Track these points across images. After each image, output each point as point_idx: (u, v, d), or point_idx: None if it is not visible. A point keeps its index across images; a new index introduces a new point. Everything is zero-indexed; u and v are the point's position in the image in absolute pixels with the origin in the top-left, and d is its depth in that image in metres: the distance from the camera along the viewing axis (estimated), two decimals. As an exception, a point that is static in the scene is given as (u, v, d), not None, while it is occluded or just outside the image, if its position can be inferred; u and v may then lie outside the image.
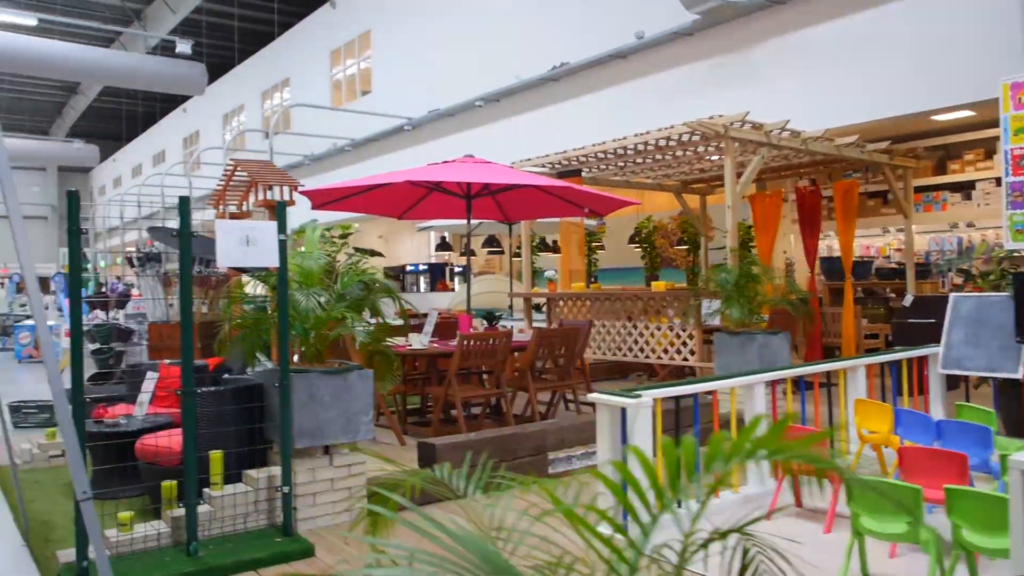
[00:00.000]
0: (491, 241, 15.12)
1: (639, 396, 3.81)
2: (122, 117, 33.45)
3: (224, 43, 25.26)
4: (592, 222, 12.04)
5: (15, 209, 2.52)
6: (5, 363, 14.95)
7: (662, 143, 8.05)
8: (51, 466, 5.66)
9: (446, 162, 6.76)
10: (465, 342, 5.81)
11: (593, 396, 3.95)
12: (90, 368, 11.44)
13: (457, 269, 21.10)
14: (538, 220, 10.01)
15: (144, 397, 5.09)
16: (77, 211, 3.37)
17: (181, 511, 3.74)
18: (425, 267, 20.32)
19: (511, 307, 11.52)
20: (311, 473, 4.12)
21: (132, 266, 9.67)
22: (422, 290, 19.00)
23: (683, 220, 12.52)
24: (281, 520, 3.96)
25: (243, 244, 3.69)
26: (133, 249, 32.16)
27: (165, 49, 23.29)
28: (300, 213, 10.71)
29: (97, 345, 9.42)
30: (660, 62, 11.18)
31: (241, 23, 23.44)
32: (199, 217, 23.59)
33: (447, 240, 18.48)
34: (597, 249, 13.54)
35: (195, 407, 3.66)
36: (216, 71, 23.12)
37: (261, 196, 9.23)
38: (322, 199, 6.98)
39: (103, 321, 9.53)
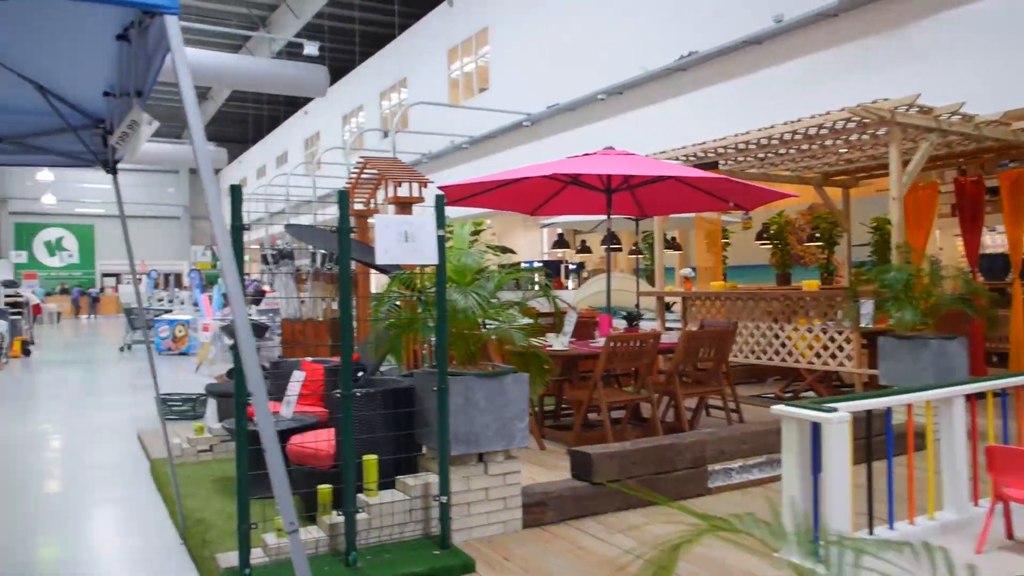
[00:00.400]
0: (610, 238, 14.72)
1: (834, 410, 3.38)
2: (247, 121, 34.97)
3: (344, 46, 25.91)
4: (730, 217, 11.46)
5: (215, 205, 2.35)
6: (145, 355, 15.74)
7: (812, 131, 7.47)
8: (199, 461, 5.72)
9: (587, 154, 6.45)
10: (612, 343, 5.49)
11: (778, 409, 3.54)
12: (227, 363, 11.84)
13: (571, 266, 20.80)
14: (670, 216, 9.56)
15: (292, 396, 5.02)
16: (240, 207, 3.26)
17: (338, 518, 3.59)
18: (540, 264, 20.12)
19: (638, 306, 11.10)
20: (465, 482, 3.91)
21: (266, 263, 9.86)
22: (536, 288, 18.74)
23: (816, 215, 11.75)
24: (436, 531, 3.76)
25: (402, 240, 3.50)
26: (260, 246, 33.52)
27: (289, 54, 24.09)
28: (424, 211, 10.60)
29: (234, 340, 9.67)
30: (801, 46, 10.48)
31: (362, 26, 23.94)
32: (324, 214, 24.27)
33: (563, 237, 18.22)
34: (724, 246, 12.92)
35: (352, 410, 3.50)
36: (336, 73, 23.72)
37: (390, 193, 9.22)
38: (459, 194, 6.82)
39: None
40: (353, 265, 11.05)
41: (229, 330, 9.73)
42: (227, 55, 21.19)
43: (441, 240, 3.61)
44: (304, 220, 27.57)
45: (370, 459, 3.83)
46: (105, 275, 40.07)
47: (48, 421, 8.49)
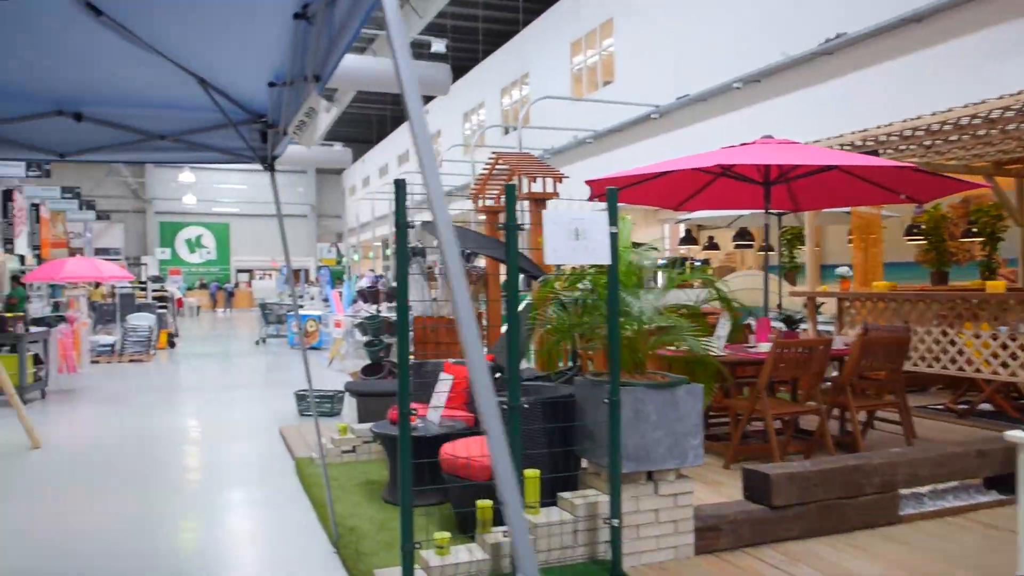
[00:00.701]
0: (743, 233, 13.98)
1: (1093, 440, 2.82)
2: (371, 122, 35.86)
3: (466, 44, 26.05)
4: (888, 212, 10.57)
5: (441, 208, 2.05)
6: (279, 349, 16.31)
7: (997, 114, 6.66)
8: (343, 462, 5.64)
9: (744, 144, 5.96)
10: (780, 350, 5.00)
11: (1014, 435, 3.01)
12: (360, 359, 11.98)
13: (696, 263, 20.04)
14: (823, 210, 8.85)
15: (440, 399, 4.83)
16: (404, 203, 3.05)
17: (500, 538, 3.34)
18: (664, 262, 19.44)
19: (780, 307, 10.40)
20: (635, 502, 3.57)
21: (399, 261, 9.81)
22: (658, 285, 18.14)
23: (974, 208, 10.66)
24: (604, 555, 3.45)
25: (572, 238, 3.19)
26: (383, 243, 34.27)
27: (414, 56, 24.40)
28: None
29: (368, 337, 9.69)
30: (971, 20, 9.50)
31: (485, 24, 23.97)
32: (453, 210, 24.48)
33: (691, 233, 17.53)
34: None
35: (519, 422, 3.22)
36: (457, 72, 23.82)
37: (524, 189, 8.97)
38: (603, 189, 6.46)
39: (374, 313, 9.81)
40: (481, 261, 10.89)
41: (363, 327, 9.78)
42: (353, 56, 21.65)
43: (614, 238, 3.28)
44: (427, 217, 27.98)
45: (531, 474, 3.55)
46: (239, 271, 42.20)
47: (192, 414, 8.77)
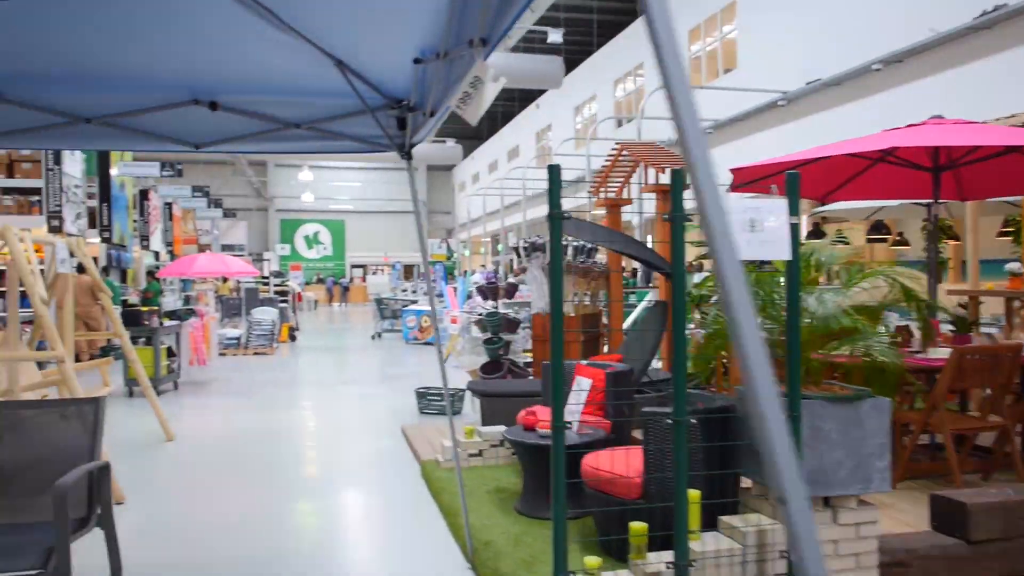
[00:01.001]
0: (878, 227, 12.97)
1: None
2: (482, 118, 35.97)
3: (578, 36, 25.66)
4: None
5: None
6: (394, 343, 16.47)
7: None
8: (470, 466, 5.40)
9: (911, 126, 5.33)
10: (963, 356, 4.39)
11: None
12: (478, 356, 11.83)
13: (822, 259, 18.91)
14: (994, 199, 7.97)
15: (577, 407, 4.51)
16: (559, 190, 2.73)
17: (658, 566, 2.97)
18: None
19: (930, 306, 9.50)
20: (811, 531, 3.12)
21: (518, 255, 9.57)
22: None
23: None
24: (776, 591, 3.02)
25: (747, 229, 2.78)
26: (491, 239, 34.37)
27: (525, 48, 24.22)
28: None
29: (487, 334, 9.50)
30: None
31: (599, 15, 23.52)
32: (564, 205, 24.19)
33: (819, 227, 16.50)
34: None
35: (686, 440, 2.85)
36: (568, 65, 23.46)
37: (652, 180, 8.53)
38: (745, 178, 5.97)
39: (493, 310, 9.61)
40: (601, 255, 10.50)
41: (482, 324, 9.58)
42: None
43: (795, 230, 2.85)
44: (541, 212, 27.75)
45: (692, 495, 3.17)
46: (354, 266, 43.40)
47: (314, 408, 8.81)
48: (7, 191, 13.15)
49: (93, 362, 6.37)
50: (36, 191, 13.10)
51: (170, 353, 9.66)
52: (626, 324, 10.21)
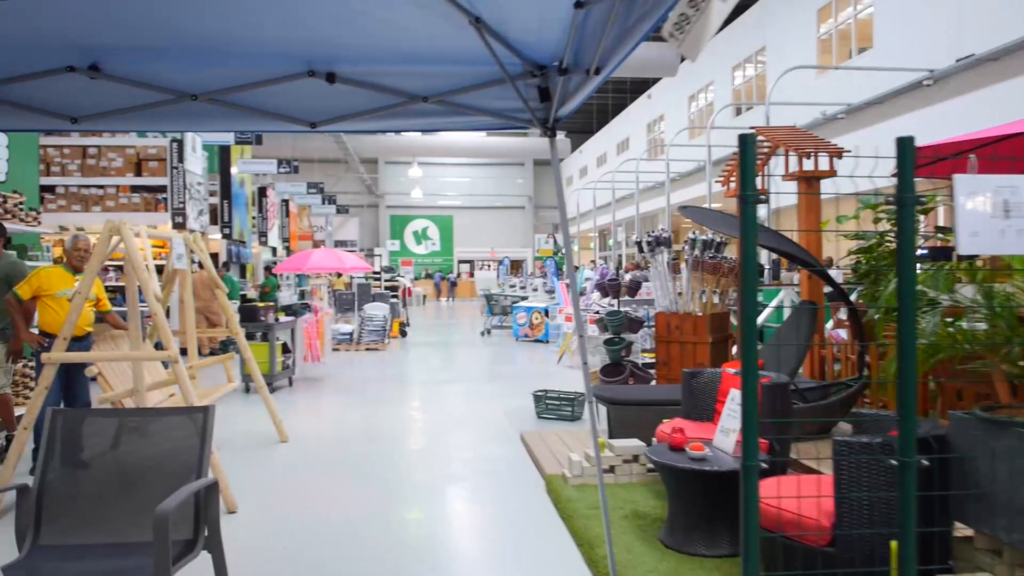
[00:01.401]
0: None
1: None
2: (591, 111, 35.32)
3: (693, 21, 24.58)
4: None
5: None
6: (503, 340, 16.15)
7: None
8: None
9: None
10: None
11: None
12: (592, 356, 11.29)
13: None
14: None
15: (733, 420, 3.90)
16: (752, 165, 2.17)
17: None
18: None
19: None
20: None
21: (641, 251, 8.96)
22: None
23: None
24: None
25: (999, 215, 2.13)
26: (599, 234, 33.68)
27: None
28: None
29: (608, 335, 8.94)
30: None
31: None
32: (678, 198, 23.27)
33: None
34: None
35: (914, 487, 2.22)
36: (685, 51, 22.49)
37: (790, 168, 7.75)
38: (935, 156, 5.17)
39: (615, 308, 9.03)
40: (731, 251, 9.72)
41: (602, 323, 9.03)
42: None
43: (1063, 214, 2.17)
44: (654, 205, 26.89)
45: (892, 547, 2.53)
46: (460, 261, 43.63)
47: (428, 408, 8.50)
48: (135, 189, 13.60)
49: (216, 358, 6.24)
50: (162, 189, 13.51)
51: (285, 349, 9.60)
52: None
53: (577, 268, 23.05)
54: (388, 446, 6.51)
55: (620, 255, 30.69)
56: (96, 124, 3.39)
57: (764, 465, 3.11)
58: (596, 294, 11.97)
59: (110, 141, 13.55)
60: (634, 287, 9.14)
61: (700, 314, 8.75)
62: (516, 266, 34.61)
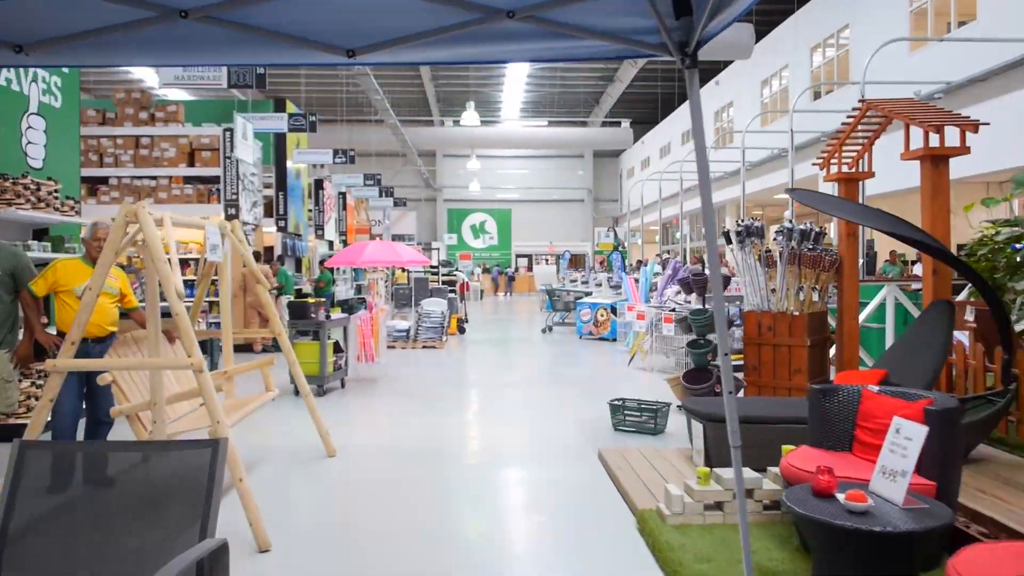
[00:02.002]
0: None
1: None
2: (655, 100, 34.09)
3: (768, 4, 23.30)
4: None
5: None
6: (566, 338, 15.29)
7: None
8: (705, 523, 3.99)
9: None
10: None
11: None
12: (665, 357, 10.33)
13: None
14: None
15: (903, 460, 2.97)
16: None
17: None
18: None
19: None
20: None
21: (728, 242, 8.01)
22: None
23: None
24: None
25: None
26: (661, 227, 32.51)
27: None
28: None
29: (693, 336, 8.02)
30: None
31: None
32: (748, 188, 22.03)
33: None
34: None
35: None
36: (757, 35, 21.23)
37: (914, 144, 6.70)
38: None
39: (700, 307, 8.05)
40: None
41: (685, 323, 8.10)
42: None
43: None
44: (724, 195, 25.64)
45: None
46: (518, 256, 42.87)
47: (489, 416, 7.71)
48: (188, 180, 13.17)
49: (254, 363, 5.55)
50: (215, 180, 13.05)
51: (337, 348, 8.93)
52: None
53: (641, 263, 22.00)
54: (445, 465, 5.73)
55: (684, 248, 29.50)
56: (50, 55, 2.57)
57: (896, 501, 2.22)
58: (671, 290, 11.01)
59: (163, 131, 13.14)
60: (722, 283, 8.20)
61: (796, 313, 7.76)
62: (576, 260, 33.59)
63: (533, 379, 10.09)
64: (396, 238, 33.72)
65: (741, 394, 7.81)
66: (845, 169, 7.83)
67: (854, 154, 7.85)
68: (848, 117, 7.51)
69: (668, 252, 32.40)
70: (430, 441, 6.43)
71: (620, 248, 31.81)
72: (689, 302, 10.56)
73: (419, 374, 10.42)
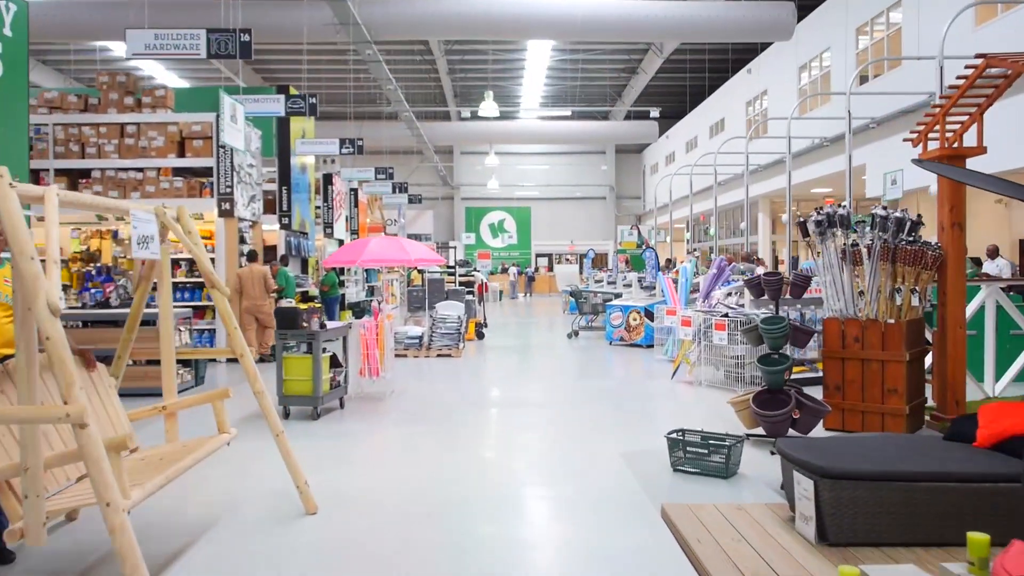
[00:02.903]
0: None
1: None
2: (682, 93, 32.58)
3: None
4: None
5: None
6: (594, 344, 13.90)
7: None
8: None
9: None
10: None
11: None
12: (715, 369, 8.82)
13: None
14: None
15: None
16: None
17: None
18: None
19: None
20: None
21: (805, 235, 6.60)
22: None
23: None
24: None
25: None
26: (686, 225, 30.92)
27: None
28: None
29: (760, 347, 6.61)
30: None
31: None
32: (781, 182, 20.50)
33: None
34: None
35: None
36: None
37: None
38: None
39: (775, 315, 6.54)
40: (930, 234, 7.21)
41: (755, 334, 6.69)
42: (679, 3, 18.57)
43: None
44: (760, 189, 24.07)
45: None
46: (538, 255, 41.45)
47: (513, 449, 6.36)
48: (178, 172, 11.92)
49: (202, 396, 4.21)
50: (208, 172, 11.79)
51: (335, 362, 7.62)
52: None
53: (670, 261, 20.56)
54: (460, 528, 4.38)
55: (710, 247, 27.99)
56: None
57: None
58: (719, 291, 9.59)
59: (150, 118, 11.90)
60: (801, 284, 6.69)
61: (891, 321, 6.33)
62: (599, 259, 32.08)
63: (564, 396, 8.72)
64: (413, 238, 32.41)
65: (820, 428, 6.40)
66: (945, 145, 6.38)
67: (958, 127, 6.42)
68: (958, 78, 6.08)
69: (695, 250, 30.86)
70: (441, 490, 5.07)
71: (645, 247, 30.30)
72: (742, 305, 9.15)
73: (432, 390, 9.08)
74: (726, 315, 8.67)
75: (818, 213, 6.40)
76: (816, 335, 7.92)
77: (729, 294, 9.55)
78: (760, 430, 6.22)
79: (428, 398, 8.47)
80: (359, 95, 30.86)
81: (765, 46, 24.55)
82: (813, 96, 20.23)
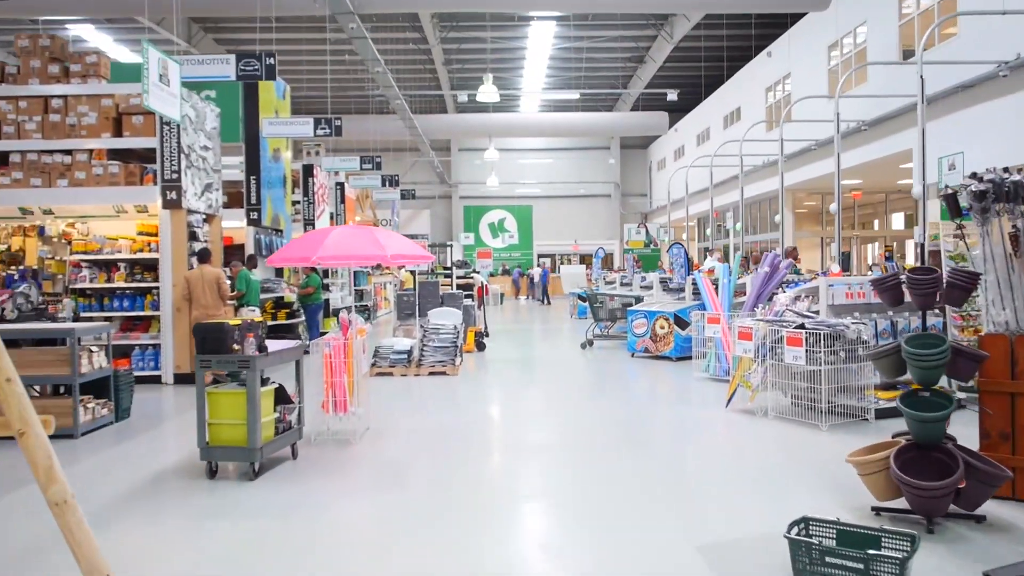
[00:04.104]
0: None
1: None
2: (696, 84, 30.51)
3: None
4: None
5: None
6: (614, 355, 11.83)
7: None
8: None
9: None
10: None
11: None
12: (786, 397, 6.66)
13: None
14: None
15: None
16: None
17: None
18: None
19: None
20: None
21: (956, 214, 4.52)
22: None
23: None
24: None
25: None
26: (729, 216, 28.92)
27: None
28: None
29: (902, 381, 4.54)
30: None
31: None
32: (808, 173, 18.50)
33: None
34: None
35: None
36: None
37: None
38: None
39: (928, 331, 4.39)
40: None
41: (891, 361, 4.61)
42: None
43: None
44: (774, 184, 21.99)
45: None
46: (541, 255, 39.38)
47: (537, 538, 4.31)
48: (114, 155, 9.87)
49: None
50: (151, 155, 9.76)
51: (281, 398, 5.57)
52: None
53: (712, 257, 18.51)
54: None
55: (724, 245, 25.95)
56: None
57: None
58: (785, 295, 7.53)
59: (80, 89, 9.83)
60: (967, 285, 4.54)
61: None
62: (606, 259, 29.96)
63: (593, 438, 6.65)
64: (410, 239, 30.32)
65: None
66: None
67: None
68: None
69: (705, 247, 28.81)
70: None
71: (653, 246, 28.29)
72: (817, 313, 7.09)
73: (418, 427, 7.02)
74: (802, 326, 6.62)
75: (979, 181, 4.34)
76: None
77: (798, 297, 7.50)
78: (900, 502, 4.19)
79: (412, 441, 6.41)
80: (346, 82, 28.78)
81: (783, 29, 22.56)
82: (852, 72, 18.15)
